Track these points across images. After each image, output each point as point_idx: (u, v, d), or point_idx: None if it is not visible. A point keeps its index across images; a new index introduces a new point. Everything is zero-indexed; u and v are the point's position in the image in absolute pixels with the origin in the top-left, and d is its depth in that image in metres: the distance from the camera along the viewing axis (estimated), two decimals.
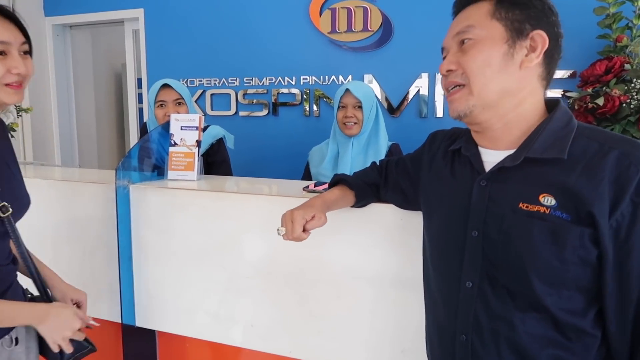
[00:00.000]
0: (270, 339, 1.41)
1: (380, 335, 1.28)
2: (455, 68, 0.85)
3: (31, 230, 1.70)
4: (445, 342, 0.93)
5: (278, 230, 1.02)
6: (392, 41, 2.79)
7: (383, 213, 1.23)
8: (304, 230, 1.01)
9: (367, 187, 1.19)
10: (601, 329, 0.80)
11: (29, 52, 1.07)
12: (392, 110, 2.82)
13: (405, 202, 1.15)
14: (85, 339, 1.18)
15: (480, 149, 0.91)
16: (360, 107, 1.91)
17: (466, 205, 0.88)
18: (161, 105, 1.94)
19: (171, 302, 1.52)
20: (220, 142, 2.01)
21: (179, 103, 1.93)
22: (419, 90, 2.76)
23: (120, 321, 1.56)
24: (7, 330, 1.09)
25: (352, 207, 1.20)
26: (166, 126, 1.65)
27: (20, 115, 1.90)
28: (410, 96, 2.78)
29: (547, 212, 0.78)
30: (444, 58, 0.90)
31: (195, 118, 1.62)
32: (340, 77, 2.92)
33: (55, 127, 3.71)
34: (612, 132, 0.83)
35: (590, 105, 1.91)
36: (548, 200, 0.78)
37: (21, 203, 1.12)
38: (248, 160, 2.84)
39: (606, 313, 0.78)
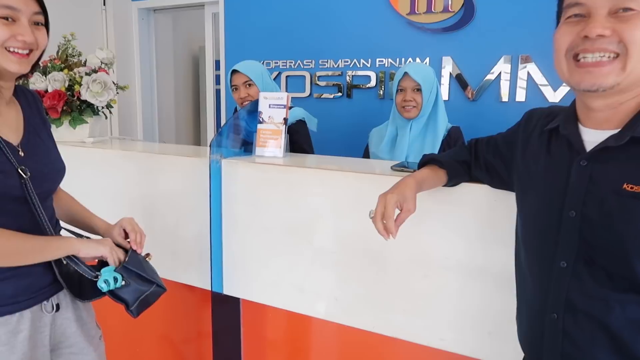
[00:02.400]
0: (353, 314, 1.44)
1: (466, 316, 1.28)
2: (610, 34, 0.77)
3: (128, 200, 1.83)
4: (534, 320, 0.93)
5: (370, 212, 1.04)
6: (474, 22, 2.71)
7: (474, 193, 1.22)
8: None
9: (459, 165, 1.18)
10: None
11: (44, 25, 1.07)
12: (471, 94, 2.76)
13: (498, 181, 1.14)
14: (151, 280, 1.20)
15: (581, 128, 0.88)
16: (419, 90, 1.90)
17: (564, 185, 0.86)
18: (235, 89, 2.09)
19: (257, 272, 1.59)
20: (300, 123, 2.06)
21: (249, 85, 2.05)
22: (500, 73, 2.67)
23: (210, 289, 1.65)
24: (47, 295, 1.13)
25: (443, 186, 1.20)
26: (255, 104, 1.71)
27: (117, 92, 2.03)
28: (491, 79, 2.70)
29: None
30: (576, 15, 0.81)
31: (283, 96, 1.67)
32: (418, 60, 2.87)
33: (138, 106, 3.93)
34: None
35: None
36: None
37: (49, 170, 1.15)
38: (321, 143, 2.88)
39: None
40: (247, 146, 1.74)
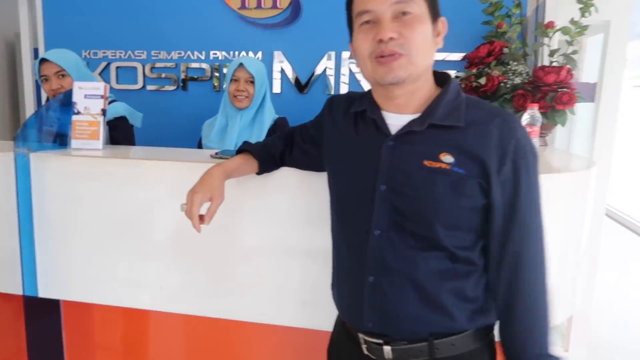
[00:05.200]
0: (178, 300, 1.46)
1: (283, 290, 1.39)
2: (397, 37, 0.90)
3: None
4: (355, 286, 1.03)
5: (182, 206, 1.09)
6: (301, 19, 2.87)
7: (285, 179, 1.32)
8: (204, 219, 1.08)
9: (271, 157, 1.27)
10: (484, 260, 0.99)
11: None
12: (301, 87, 2.92)
13: (310, 165, 1.25)
14: None
15: (383, 112, 1.01)
16: (252, 82, 2.01)
17: (375, 163, 0.97)
18: (45, 79, 1.95)
19: (77, 270, 1.52)
20: (120, 120, 2.00)
21: (62, 75, 1.93)
22: (325, 68, 2.88)
23: (22, 293, 1.53)
24: None
25: (257, 174, 1.28)
26: (68, 95, 1.62)
27: None
28: (318, 74, 2.89)
29: (448, 168, 0.92)
30: (367, 22, 0.94)
31: (100, 87, 1.61)
32: (250, 53, 2.95)
33: None
34: (490, 103, 1.01)
35: (474, 84, 2.13)
36: (447, 158, 0.92)
37: None
38: (156, 135, 2.80)
39: (490, 248, 0.97)
40: (62, 139, 1.65)
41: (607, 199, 2.37)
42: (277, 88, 2.93)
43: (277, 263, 1.37)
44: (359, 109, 1.05)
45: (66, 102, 1.62)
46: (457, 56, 2.70)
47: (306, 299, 1.35)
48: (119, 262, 1.49)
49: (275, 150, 1.27)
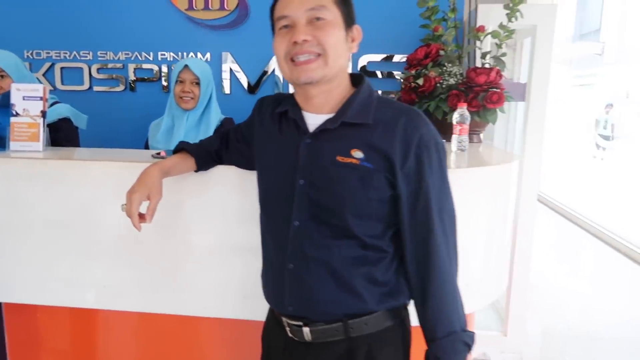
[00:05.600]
0: (122, 298, 1.49)
1: (225, 285, 1.44)
2: (311, 39, 0.99)
3: None
4: (276, 272, 1.11)
5: (122, 206, 1.14)
6: (249, 21, 2.91)
7: (224, 175, 1.38)
8: (144, 217, 1.14)
9: (207, 154, 1.33)
10: (393, 247, 1.07)
11: None
12: (250, 87, 2.96)
13: (244, 163, 1.31)
14: None
15: (304, 113, 1.09)
16: (197, 83, 2.05)
17: (294, 159, 1.05)
18: None
19: (19, 272, 1.52)
20: (63, 121, 1.99)
21: (1, 76, 1.92)
22: (274, 68, 2.93)
23: None
24: None
25: (195, 171, 1.33)
26: (6, 97, 1.61)
27: None
28: (267, 74, 2.94)
29: (358, 163, 1.00)
30: (285, 26, 1.02)
31: (38, 88, 1.61)
32: (199, 54, 2.97)
33: None
34: (400, 102, 1.09)
35: (413, 84, 2.23)
36: (357, 154, 1.00)
37: None
38: (103, 137, 2.79)
39: (402, 235, 1.05)
40: (1, 141, 1.63)
41: (543, 188, 2.53)
42: (227, 89, 2.97)
43: (219, 259, 1.42)
44: (282, 109, 1.12)
45: (4, 104, 1.61)
46: (400, 57, 2.81)
47: (247, 292, 1.40)
48: (61, 262, 1.49)
49: (212, 148, 1.33)
